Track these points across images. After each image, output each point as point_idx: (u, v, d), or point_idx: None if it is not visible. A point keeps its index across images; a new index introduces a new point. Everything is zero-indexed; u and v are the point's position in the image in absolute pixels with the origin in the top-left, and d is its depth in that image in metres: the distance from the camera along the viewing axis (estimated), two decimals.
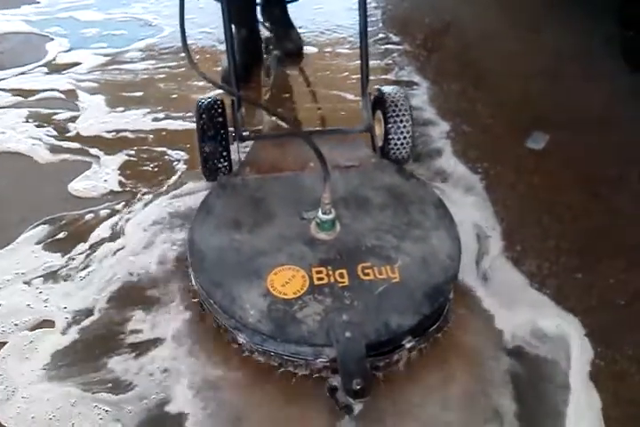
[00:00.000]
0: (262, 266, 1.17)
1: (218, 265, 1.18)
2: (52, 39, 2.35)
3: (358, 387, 0.96)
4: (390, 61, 2.19)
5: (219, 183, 1.42)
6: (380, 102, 1.49)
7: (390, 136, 1.45)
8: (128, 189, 1.60)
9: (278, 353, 1.11)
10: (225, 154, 1.40)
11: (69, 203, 1.54)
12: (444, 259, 1.20)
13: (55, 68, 2.16)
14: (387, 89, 1.49)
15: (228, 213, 1.30)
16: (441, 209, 1.32)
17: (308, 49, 2.27)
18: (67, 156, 1.72)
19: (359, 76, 1.52)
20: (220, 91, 1.79)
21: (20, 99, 1.98)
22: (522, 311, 1.26)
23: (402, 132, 1.44)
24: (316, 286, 1.12)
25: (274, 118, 1.81)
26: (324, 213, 1.19)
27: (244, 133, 1.51)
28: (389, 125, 1.45)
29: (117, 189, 1.60)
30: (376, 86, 1.55)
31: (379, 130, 1.51)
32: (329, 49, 2.29)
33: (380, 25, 2.48)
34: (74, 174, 1.64)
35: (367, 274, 1.15)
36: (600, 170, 1.65)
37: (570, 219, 1.49)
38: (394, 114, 1.44)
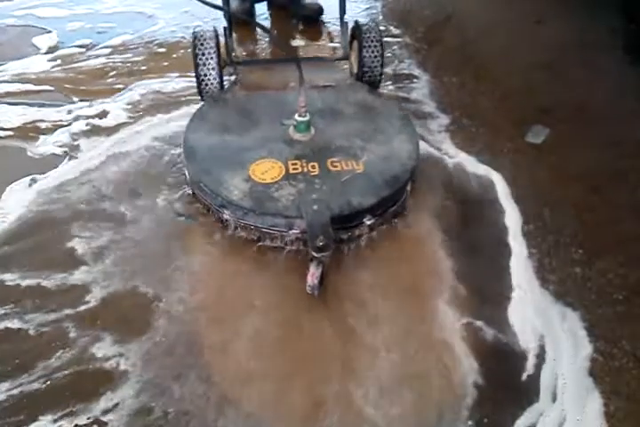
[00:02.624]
0: (245, 158, 1.39)
1: (208, 157, 1.41)
2: (49, 32, 2.33)
3: (321, 244, 1.17)
4: (390, 54, 2.17)
5: (211, 98, 1.64)
6: (355, 34, 1.72)
7: (364, 63, 1.67)
8: None
9: (257, 226, 1.30)
10: (217, 77, 1.62)
11: None
12: (403, 157, 1.42)
13: None
14: (362, 22, 1.72)
15: (219, 120, 1.53)
16: (405, 120, 1.55)
17: (296, 42, 2.25)
18: None
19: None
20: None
21: None
22: None
23: (374, 60, 1.67)
24: (290, 174, 1.35)
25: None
26: (299, 116, 1.42)
27: (235, 59, 1.78)
28: (364, 54, 1.66)
29: None
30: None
31: (354, 57, 1.76)
32: (321, 42, 2.27)
33: (380, 17, 2.46)
34: None
35: (335, 166, 1.38)
36: (600, 164, 1.64)
37: (570, 213, 1.48)
38: (368, 44, 1.66)
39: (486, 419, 1.06)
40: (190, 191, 1.47)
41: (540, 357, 1.17)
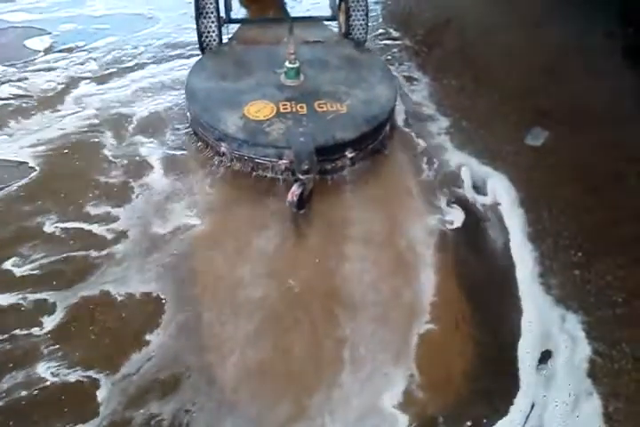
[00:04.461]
0: (241, 100, 1.58)
1: (207, 98, 1.60)
2: (50, 33, 2.32)
3: (306, 167, 1.37)
4: (390, 57, 2.17)
5: (210, 50, 1.83)
6: None
7: (351, 22, 1.87)
8: None
9: (251, 157, 1.54)
10: (216, 32, 1.80)
11: None
12: (383, 101, 1.63)
13: None
14: None
15: (217, 69, 1.71)
16: (386, 71, 1.77)
17: None
18: None
19: None
20: None
21: None
22: None
23: (360, 19, 1.87)
24: (281, 113, 1.53)
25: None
26: (289, 63, 1.61)
27: (233, 16, 1.99)
28: (350, 14, 1.86)
29: None
30: None
31: (342, 17, 1.94)
32: None
33: (380, 20, 2.46)
34: None
35: (321, 107, 1.56)
36: (599, 166, 1.65)
37: (568, 215, 1.49)
38: (354, 5, 1.85)
39: None
40: (192, 131, 1.67)
41: None
